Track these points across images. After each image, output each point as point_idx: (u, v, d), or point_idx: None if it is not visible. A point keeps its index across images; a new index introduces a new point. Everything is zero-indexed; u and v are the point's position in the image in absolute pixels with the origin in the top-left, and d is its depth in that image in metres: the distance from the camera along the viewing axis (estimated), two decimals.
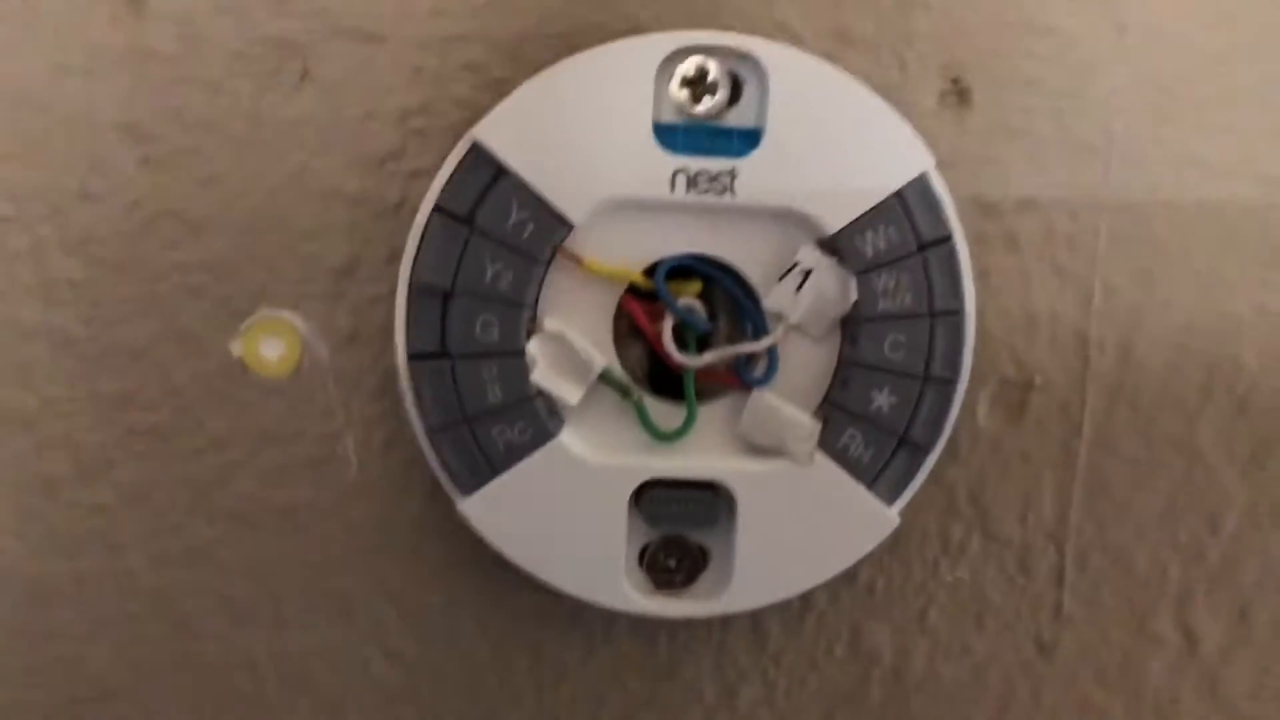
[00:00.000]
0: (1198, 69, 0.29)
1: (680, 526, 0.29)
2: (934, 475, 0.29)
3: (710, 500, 0.28)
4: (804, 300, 0.28)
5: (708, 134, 0.27)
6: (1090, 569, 0.31)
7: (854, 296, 0.27)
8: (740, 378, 0.28)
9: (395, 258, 0.28)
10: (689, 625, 0.31)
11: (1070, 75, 0.29)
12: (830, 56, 0.28)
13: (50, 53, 0.27)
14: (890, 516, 0.28)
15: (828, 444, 0.28)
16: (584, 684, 0.31)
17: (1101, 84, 0.29)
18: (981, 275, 0.29)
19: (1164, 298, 0.30)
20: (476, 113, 0.27)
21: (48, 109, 0.28)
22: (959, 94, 0.29)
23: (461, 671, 0.31)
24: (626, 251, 0.28)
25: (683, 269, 0.28)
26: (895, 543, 0.30)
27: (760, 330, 0.28)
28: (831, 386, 0.28)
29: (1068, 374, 0.30)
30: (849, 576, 0.30)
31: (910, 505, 0.29)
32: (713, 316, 0.29)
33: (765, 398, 0.28)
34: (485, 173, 0.27)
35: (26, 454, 0.29)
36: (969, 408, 0.30)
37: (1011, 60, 0.29)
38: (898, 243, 0.27)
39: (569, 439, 0.28)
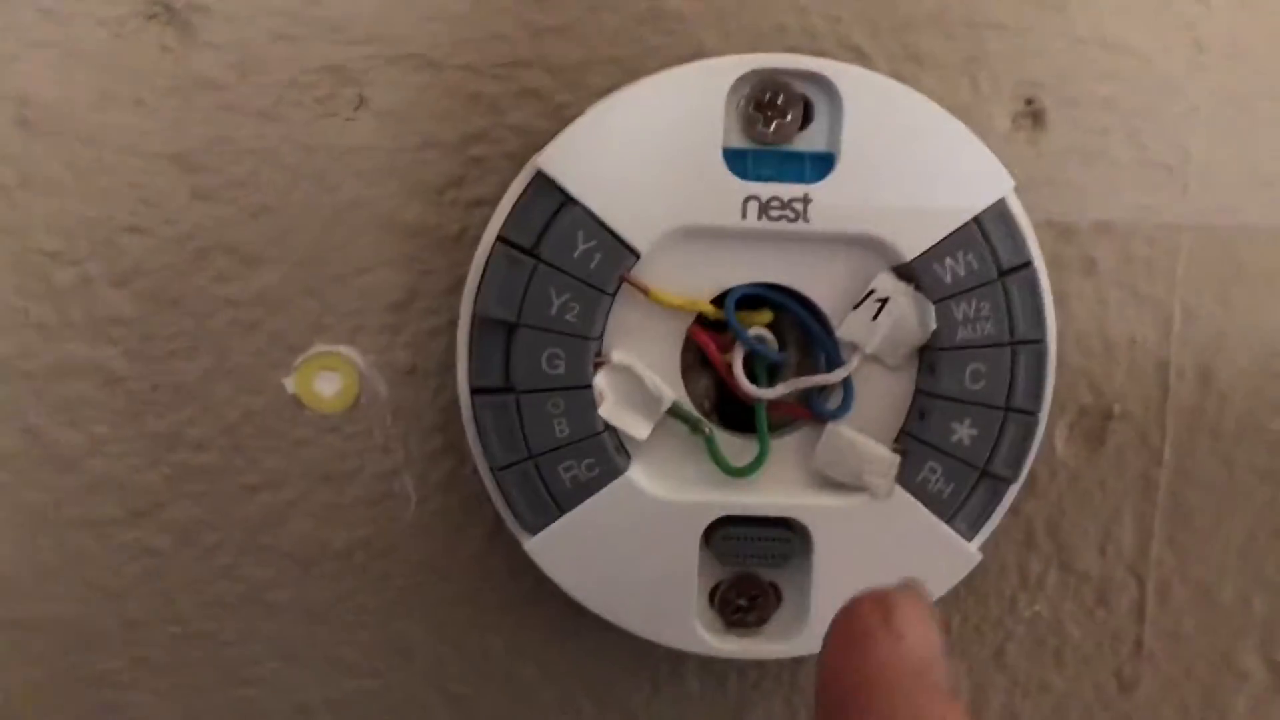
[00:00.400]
0: (1277, 87, 0.29)
1: (753, 564, 0.28)
2: (1012, 508, 0.28)
3: (784, 537, 0.27)
4: (880, 329, 0.27)
5: (779, 159, 0.26)
6: (1172, 602, 0.30)
7: (932, 325, 0.26)
8: (813, 410, 0.28)
9: (454, 289, 0.27)
10: (760, 666, 0.30)
11: (1146, 95, 0.28)
12: (900, 78, 0.27)
13: (98, 82, 0.27)
14: (971, 553, 0.27)
15: (906, 478, 0.27)
16: None
17: (1178, 103, 0.28)
18: (1058, 301, 0.28)
19: (1245, 322, 0.29)
20: (536, 140, 0.26)
21: (96, 140, 0.27)
22: (1033, 115, 0.28)
23: (524, 715, 0.30)
24: (695, 281, 0.27)
25: (752, 298, 0.27)
26: (972, 578, 0.29)
27: (833, 360, 0.27)
28: (909, 418, 0.27)
29: (1147, 402, 0.29)
30: None
31: (988, 539, 0.28)
32: (783, 347, 0.28)
33: (841, 430, 0.27)
34: (550, 202, 0.26)
35: (74, 494, 0.28)
36: (1047, 438, 0.29)
37: (1086, 80, 0.28)
38: (977, 269, 0.26)
39: (638, 475, 0.27)
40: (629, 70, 0.27)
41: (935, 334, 0.27)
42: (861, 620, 0.21)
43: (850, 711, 0.20)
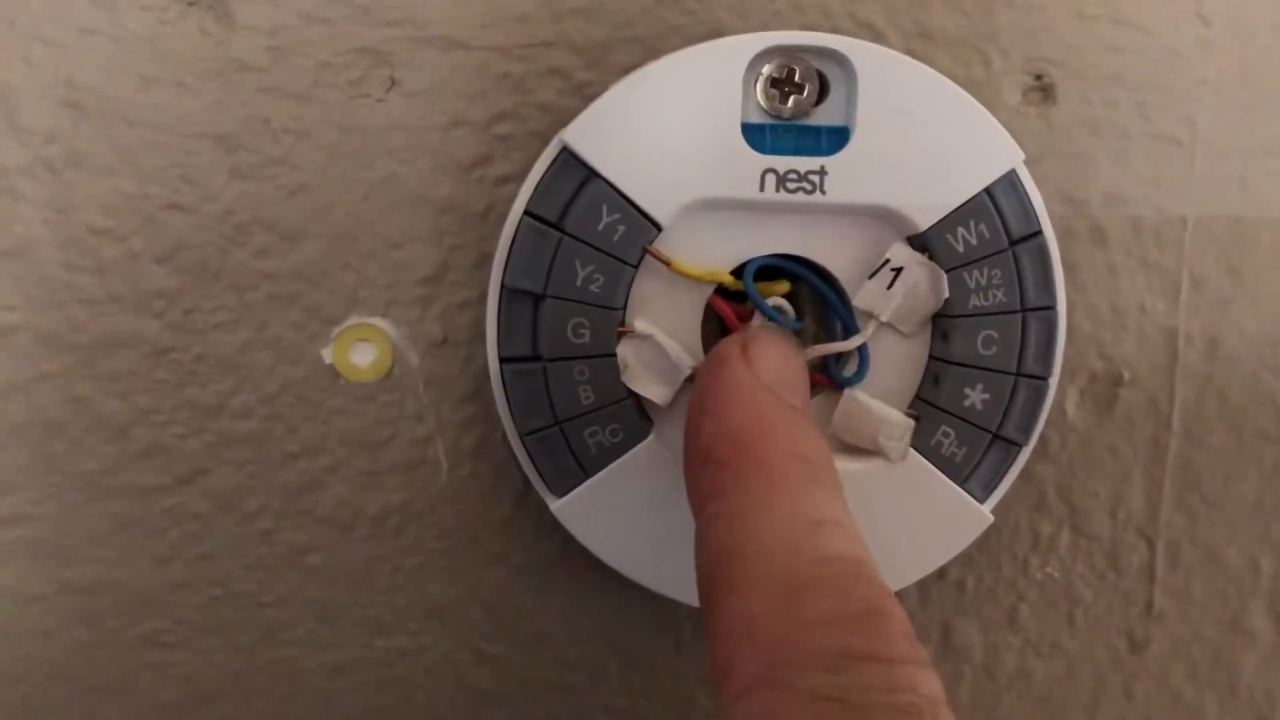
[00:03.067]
0: None
1: None
2: (1023, 472, 0.29)
3: None
4: (895, 298, 0.28)
5: (796, 133, 0.27)
6: (1181, 564, 0.31)
7: (945, 293, 0.27)
8: (830, 377, 0.28)
9: (483, 263, 0.28)
10: None
11: (1154, 69, 0.29)
12: (913, 54, 0.28)
13: (141, 66, 0.28)
14: (984, 514, 0.28)
15: (920, 442, 0.28)
16: (674, 685, 0.31)
17: (1185, 77, 0.29)
18: (1069, 270, 0.29)
19: (1253, 289, 0.30)
20: (561, 118, 0.27)
21: (139, 122, 0.28)
22: (1043, 90, 0.29)
23: (553, 673, 0.31)
24: (714, 252, 0.28)
25: (770, 269, 0.28)
26: (985, 540, 0.30)
27: (849, 329, 0.28)
28: (923, 384, 0.28)
29: (1156, 368, 0.30)
30: (939, 574, 0.30)
31: (1000, 502, 0.29)
32: (801, 316, 0.29)
33: (856, 396, 0.28)
34: (574, 177, 0.27)
35: (121, 462, 0.29)
36: (1058, 403, 0.30)
37: (1094, 55, 0.29)
38: (989, 239, 0.27)
39: (660, 440, 0.28)
40: (650, 49, 0.28)
41: (948, 302, 0.27)
42: (721, 351, 0.23)
43: (699, 417, 0.22)
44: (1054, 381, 0.28)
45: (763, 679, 0.19)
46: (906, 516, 0.28)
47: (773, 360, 0.23)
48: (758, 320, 0.27)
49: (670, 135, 0.27)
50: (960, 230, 0.27)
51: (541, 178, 0.27)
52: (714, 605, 0.20)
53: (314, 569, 0.30)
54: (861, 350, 0.28)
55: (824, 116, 0.27)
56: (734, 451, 0.22)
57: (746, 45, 0.27)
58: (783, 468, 0.22)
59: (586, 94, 0.28)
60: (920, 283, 0.27)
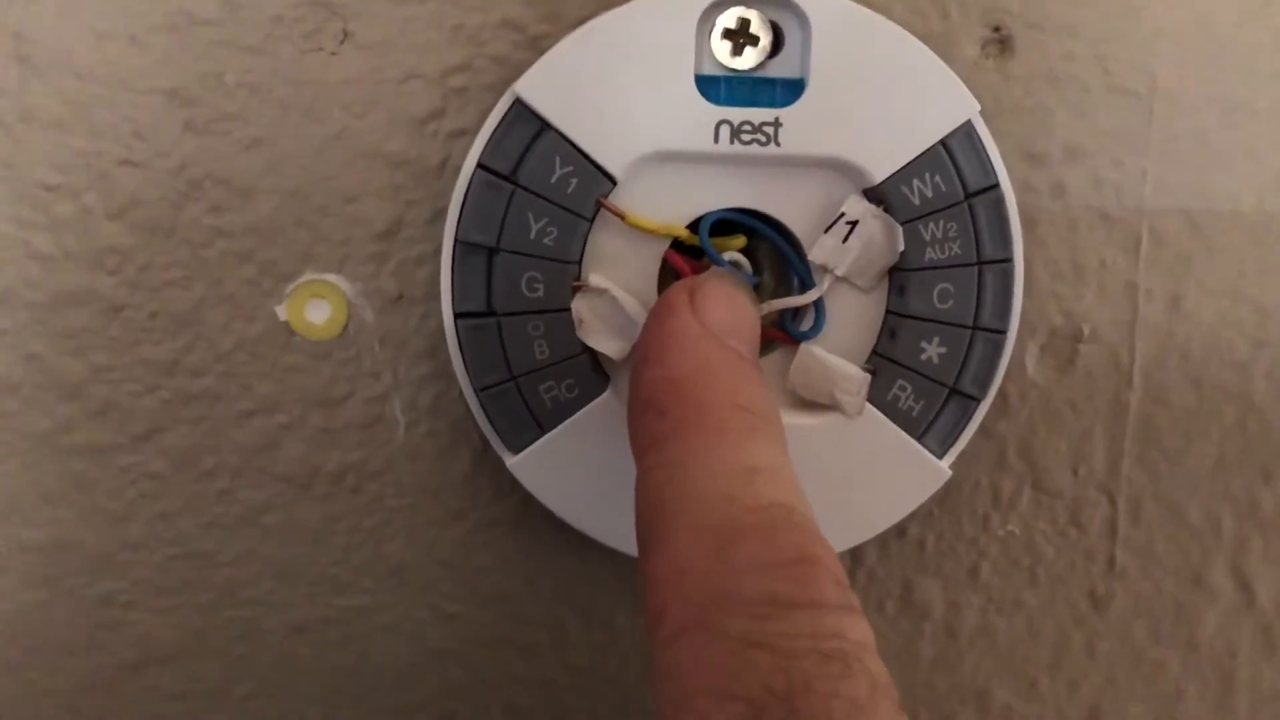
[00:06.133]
0: (1244, 11, 0.29)
1: None
2: (983, 428, 0.29)
3: None
4: (850, 251, 0.27)
5: (750, 85, 0.27)
6: (1143, 521, 0.31)
7: (901, 246, 0.27)
8: (787, 332, 0.28)
9: (438, 218, 0.28)
10: None
11: (1112, 20, 0.29)
12: (870, 4, 0.28)
13: (92, 20, 0.28)
14: (941, 469, 0.28)
15: (877, 396, 0.28)
16: (635, 642, 0.31)
17: (1144, 27, 0.29)
18: (1028, 225, 0.29)
19: (1212, 244, 0.30)
20: (516, 70, 0.27)
21: (90, 76, 0.28)
22: (1000, 42, 0.29)
23: (513, 632, 0.31)
24: (670, 206, 0.28)
25: (727, 223, 0.28)
26: (945, 497, 0.30)
27: (806, 283, 0.28)
28: (880, 338, 0.28)
29: (1117, 324, 0.30)
30: (899, 532, 0.30)
31: (960, 459, 0.29)
32: (757, 270, 0.29)
33: (813, 351, 0.28)
34: (527, 129, 0.27)
35: (76, 421, 0.29)
36: (1018, 359, 0.29)
37: (1053, 5, 0.29)
38: (944, 191, 0.27)
39: (617, 394, 0.28)
40: (605, 1, 0.28)
41: (904, 255, 0.27)
42: (668, 298, 0.23)
43: (642, 364, 0.22)
44: (1011, 335, 0.28)
45: (693, 624, 0.19)
46: (864, 471, 0.28)
47: (720, 307, 0.23)
48: (712, 272, 0.27)
49: (624, 87, 0.27)
50: (916, 182, 0.27)
51: (494, 130, 0.27)
52: (649, 552, 0.20)
53: (271, 528, 0.30)
54: (818, 305, 0.28)
55: (779, 68, 0.27)
56: (674, 399, 0.22)
57: None
58: (722, 416, 0.22)
59: (541, 46, 0.28)
60: (876, 236, 0.27)
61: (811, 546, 0.20)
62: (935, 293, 0.27)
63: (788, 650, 0.18)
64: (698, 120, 0.27)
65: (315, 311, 0.29)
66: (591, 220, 0.27)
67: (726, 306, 0.23)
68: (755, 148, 0.27)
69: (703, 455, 0.21)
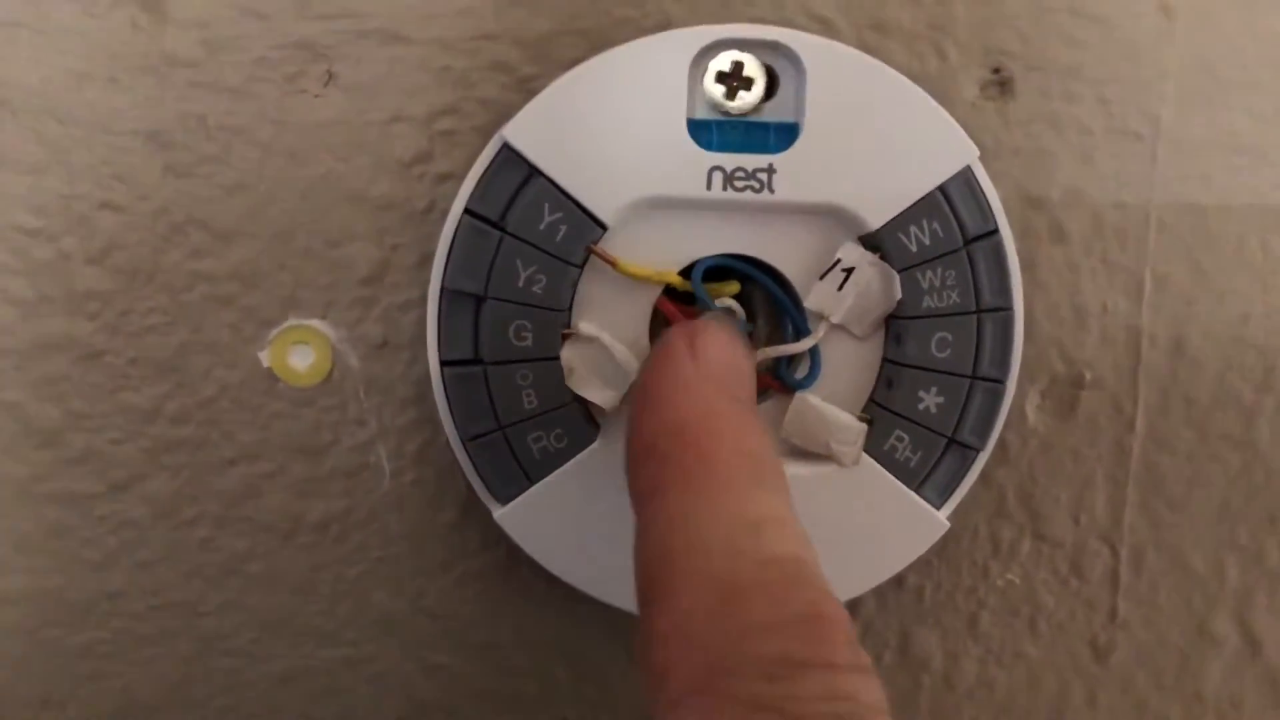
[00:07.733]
0: (1248, 53, 0.28)
1: None
2: (983, 476, 0.28)
3: None
4: (846, 299, 0.27)
5: (744, 130, 0.26)
6: (1146, 570, 0.30)
7: (898, 294, 0.26)
8: (781, 380, 0.28)
9: (425, 263, 0.28)
10: None
11: (1115, 62, 0.28)
12: (867, 48, 0.27)
13: (71, 61, 0.27)
14: (939, 520, 0.28)
15: (874, 446, 0.27)
16: (626, 695, 0.30)
17: (1147, 70, 0.28)
18: (1029, 269, 0.28)
19: (1217, 289, 0.29)
20: (505, 113, 0.27)
21: (69, 119, 0.27)
22: (1000, 84, 0.28)
23: (501, 683, 0.30)
24: (661, 252, 0.27)
25: (720, 269, 0.27)
26: (944, 546, 0.29)
27: (801, 331, 0.27)
28: (876, 387, 0.28)
29: (1119, 369, 0.29)
30: (897, 582, 0.30)
31: (959, 507, 0.28)
32: (751, 318, 0.28)
33: (808, 400, 0.27)
34: (516, 174, 0.26)
35: (54, 468, 0.28)
36: (1018, 406, 0.29)
37: (1054, 48, 0.28)
38: (942, 238, 0.26)
39: (607, 444, 0.27)
40: (596, 43, 0.27)
41: (901, 303, 0.27)
42: (668, 344, 0.23)
43: (641, 409, 0.22)
44: (1011, 384, 0.27)
45: (700, 686, 0.18)
46: (860, 523, 0.27)
47: (720, 354, 0.23)
48: (709, 315, 0.26)
49: (614, 131, 0.26)
50: (913, 229, 0.26)
51: (482, 175, 0.26)
52: (651, 607, 0.20)
53: (254, 577, 0.29)
54: (813, 352, 0.27)
55: (773, 113, 0.27)
56: (677, 447, 0.21)
57: (692, 39, 0.26)
58: (727, 465, 0.21)
59: (530, 88, 0.27)
60: (872, 283, 0.27)
61: (822, 603, 0.19)
62: (933, 341, 0.27)
63: (798, 714, 0.17)
64: (690, 166, 0.26)
65: (299, 357, 0.28)
66: (581, 267, 0.27)
67: (726, 353, 0.23)
68: (749, 194, 0.26)
69: (708, 505, 0.20)
